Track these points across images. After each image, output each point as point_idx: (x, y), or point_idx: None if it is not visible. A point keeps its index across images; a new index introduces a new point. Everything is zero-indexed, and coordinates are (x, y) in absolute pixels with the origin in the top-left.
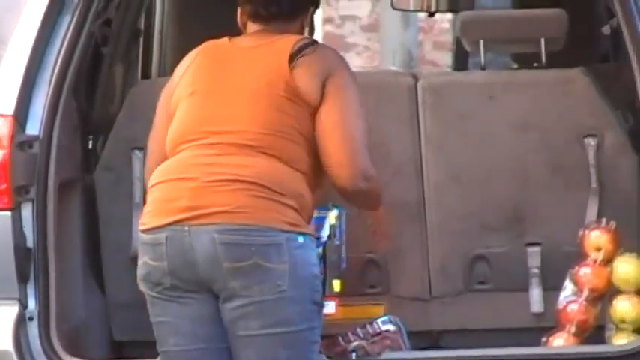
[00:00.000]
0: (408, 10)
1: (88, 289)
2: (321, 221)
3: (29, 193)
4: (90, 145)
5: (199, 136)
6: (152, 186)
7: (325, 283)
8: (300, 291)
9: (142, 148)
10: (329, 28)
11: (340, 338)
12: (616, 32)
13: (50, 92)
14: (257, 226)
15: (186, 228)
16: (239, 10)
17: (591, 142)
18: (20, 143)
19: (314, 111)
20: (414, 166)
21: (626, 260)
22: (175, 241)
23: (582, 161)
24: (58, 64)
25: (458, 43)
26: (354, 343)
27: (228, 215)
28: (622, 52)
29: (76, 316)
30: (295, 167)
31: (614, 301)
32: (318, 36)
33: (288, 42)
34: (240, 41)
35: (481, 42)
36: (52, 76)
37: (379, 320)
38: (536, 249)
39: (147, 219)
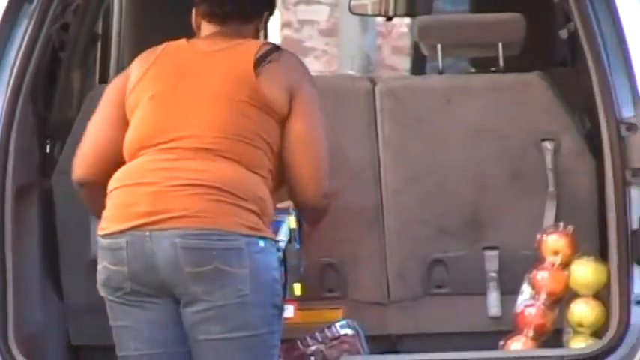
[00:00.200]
0: (366, 15)
1: (45, 293)
2: (278, 225)
3: None
4: (48, 150)
5: (158, 141)
6: (111, 191)
7: (286, 287)
8: (261, 295)
9: None
10: (287, 32)
11: (299, 342)
12: (573, 36)
13: (7, 96)
14: (217, 230)
15: (148, 233)
16: (194, 10)
17: (548, 146)
18: None
19: (280, 119)
20: (372, 171)
21: (583, 264)
22: (136, 246)
23: (540, 165)
24: (16, 68)
25: (415, 47)
26: (313, 348)
27: (187, 220)
28: (579, 56)
29: (34, 321)
30: (255, 171)
31: (571, 305)
32: (275, 40)
33: (250, 47)
34: (199, 44)
35: (439, 46)
36: (9, 80)
37: (337, 324)
38: (494, 253)
39: (106, 224)
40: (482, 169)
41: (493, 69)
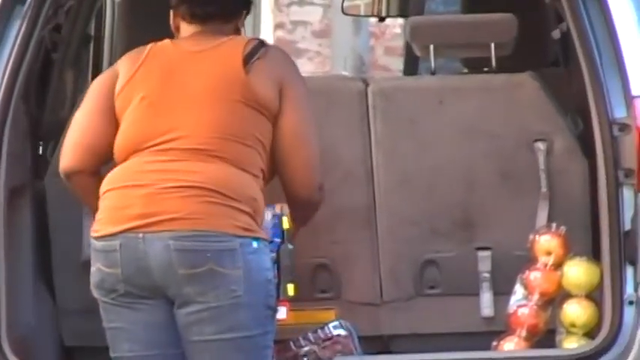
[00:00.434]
0: (359, 15)
1: (38, 295)
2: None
3: None
4: (40, 151)
5: (151, 143)
6: (104, 192)
7: (279, 287)
8: (254, 296)
9: None
10: (280, 33)
11: (291, 343)
12: (565, 36)
13: (0, 98)
14: (211, 231)
15: (141, 235)
16: (172, 13)
17: (541, 146)
18: None
19: (271, 115)
20: (365, 171)
21: (576, 264)
22: (129, 248)
23: (532, 166)
24: (8, 69)
25: (408, 48)
26: (306, 348)
27: (181, 222)
28: (572, 57)
29: (26, 322)
30: (248, 170)
31: (564, 306)
32: (268, 42)
33: (237, 44)
34: (183, 44)
35: (431, 47)
36: (1, 81)
37: (330, 325)
38: (487, 253)
39: (99, 226)
40: (474, 170)
41: (485, 69)
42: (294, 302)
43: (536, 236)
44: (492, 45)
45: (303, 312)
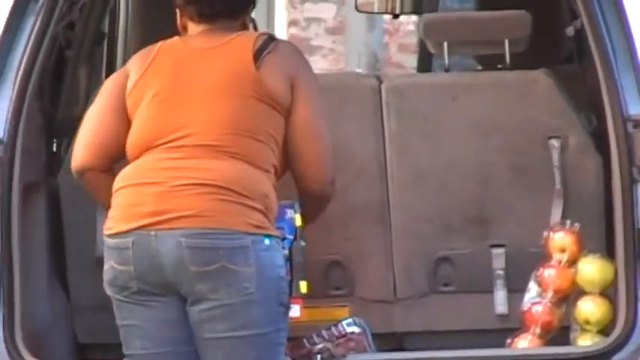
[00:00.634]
0: (373, 12)
1: (52, 291)
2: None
3: None
4: (54, 148)
5: (164, 140)
6: (116, 190)
7: (291, 284)
8: (266, 293)
9: None
10: (294, 30)
11: (305, 341)
12: (580, 33)
13: (14, 95)
14: (223, 229)
15: (153, 232)
16: (177, 13)
17: (555, 143)
18: None
19: (283, 110)
20: (378, 168)
21: (590, 261)
22: (142, 246)
23: (546, 162)
24: (22, 66)
25: (422, 45)
26: (319, 346)
27: (193, 219)
28: (586, 53)
29: (40, 319)
30: (260, 166)
31: (578, 303)
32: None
33: (246, 40)
34: (193, 41)
35: (445, 44)
36: (15, 78)
37: (344, 322)
38: (501, 251)
39: (112, 223)
40: (488, 167)
41: (499, 66)
42: (307, 299)
43: (551, 233)
44: (506, 42)
45: (317, 309)
